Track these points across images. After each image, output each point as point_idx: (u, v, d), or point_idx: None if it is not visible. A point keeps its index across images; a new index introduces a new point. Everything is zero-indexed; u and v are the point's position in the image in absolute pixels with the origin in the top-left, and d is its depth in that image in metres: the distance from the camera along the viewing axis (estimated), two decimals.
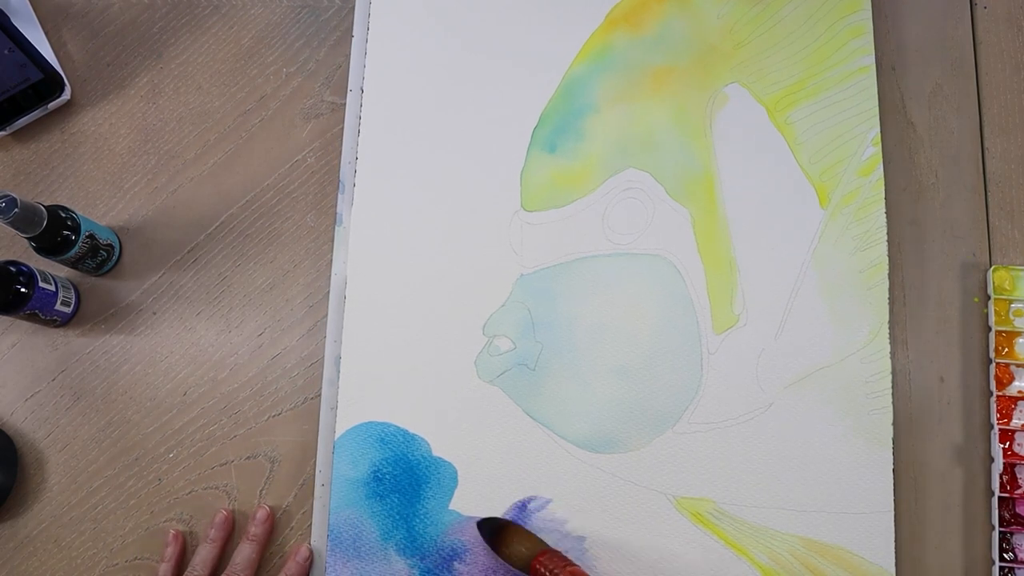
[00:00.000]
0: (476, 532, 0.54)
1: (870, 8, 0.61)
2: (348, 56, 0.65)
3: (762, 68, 0.61)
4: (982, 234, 0.60)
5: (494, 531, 0.54)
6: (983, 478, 0.56)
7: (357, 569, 0.55)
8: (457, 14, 0.64)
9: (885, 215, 0.58)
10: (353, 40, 0.65)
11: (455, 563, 0.54)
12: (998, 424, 0.55)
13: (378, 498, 0.56)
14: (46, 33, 0.67)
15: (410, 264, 0.60)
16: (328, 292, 0.61)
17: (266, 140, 0.65)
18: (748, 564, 0.53)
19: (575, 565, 0.49)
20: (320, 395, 0.59)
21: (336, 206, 0.62)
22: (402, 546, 0.55)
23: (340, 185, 0.62)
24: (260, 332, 0.61)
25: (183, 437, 0.60)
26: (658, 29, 0.63)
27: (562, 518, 0.55)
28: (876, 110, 0.60)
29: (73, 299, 0.61)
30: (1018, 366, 0.57)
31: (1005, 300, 0.57)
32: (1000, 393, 0.56)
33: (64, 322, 0.61)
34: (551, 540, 0.54)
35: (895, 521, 0.54)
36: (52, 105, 0.65)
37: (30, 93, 0.64)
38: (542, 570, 0.49)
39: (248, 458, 0.59)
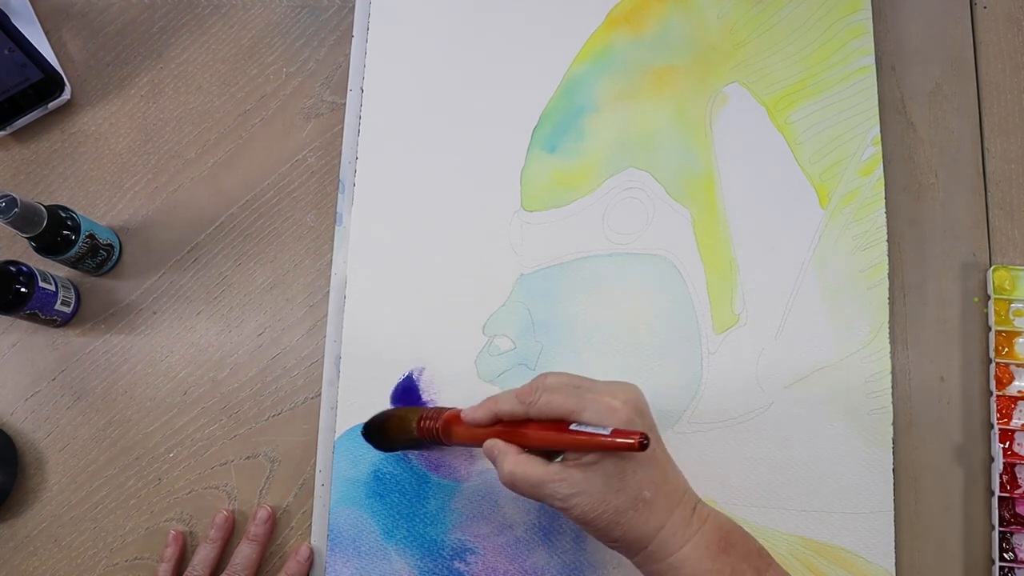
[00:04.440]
0: (478, 530, 0.54)
1: (870, 8, 0.61)
2: (348, 56, 0.65)
3: (762, 68, 0.61)
4: (982, 234, 0.60)
5: (374, 435, 0.55)
6: (983, 478, 0.56)
7: (357, 569, 0.55)
8: (457, 14, 0.64)
9: (885, 215, 0.58)
10: (353, 40, 0.65)
11: (455, 563, 0.54)
12: (998, 424, 0.55)
13: (378, 498, 0.56)
14: (46, 33, 0.67)
15: (410, 264, 0.60)
16: (328, 292, 0.61)
17: (266, 140, 0.65)
18: None
19: (449, 408, 0.50)
20: (320, 395, 0.59)
21: (336, 206, 0.62)
22: (402, 546, 0.55)
23: (340, 185, 0.62)
24: (260, 332, 0.61)
25: (183, 437, 0.60)
26: (658, 29, 0.63)
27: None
28: (876, 110, 0.60)
29: (73, 299, 0.61)
30: (1018, 366, 0.57)
31: (1005, 300, 0.57)
32: (1000, 393, 0.56)
33: (64, 322, 0.61)
34: None
35: (895, 521, 0.54)
36: (52, 105, 0.65)
37: (30, 93, 0.64)
38: (429, 425, 0.50)
39: (248, 458, 0.59)
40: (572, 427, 0.43)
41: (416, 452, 0.56)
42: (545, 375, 0.46)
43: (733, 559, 0.43)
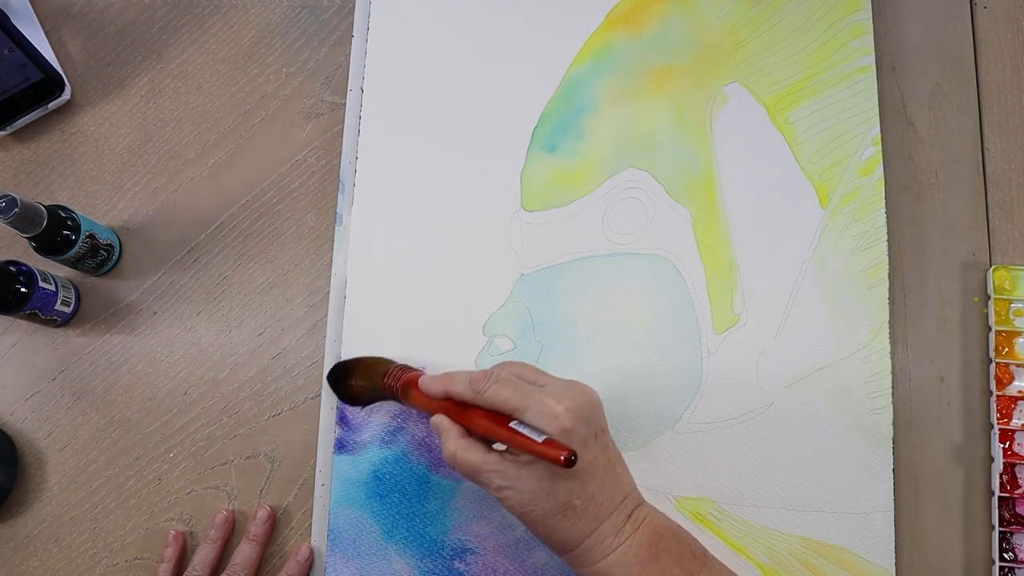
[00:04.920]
0: (478, 530, 0.54)
1: (870, 8, 0.61)
2: (348, 56, 0.65)
3: (762, 68, 0.61)
4: (982, 234, 0.60)
5: (342, 377, 0.56)
6: (983, 478, 0.56)
7: (357, 569, 0.55)
8: (457, 14, 0.64)
9: (885, 215, 0.58)
10: (353, 40, 0.65)
11: (456, 563, 0.54)
12: (998, 424, 0.55)
13: (378, 498, 0.56)
14: (46, 33, 0.67)
15: (410, 264, 0.60)
16: (328, 292, 0.61)
17: (266, 140, 0.65)
18: (748, 564, 0.53)
19: (415, 370, 0.52)
20: (320, 395, 0.59)
21: (336, 206, 0.62)
22: (402, 546, 0.55)
23: (340, 185, 0.62)
24: (260, 332, 0.61)
25: (183, 437, 0.60)
26: (658, 29, 0.63)
27: None
28: (876, 110, 0.60)
29: (73, 299, 0.61)
30: (1018, 366, 0.57)
31: (1005, 300, 0.57)
32: (1000, 393, 0.56)
33: (64, 322, 0.61)
34: None
35: (895, 521, 0.54)
36: (52, 105, 0.65)
37: (30, 93, 0.64)
38: (392, 383, 0.51)
39: (248, 458, 0.59)
40: (511, 424, 0.43)
41: (417, 452, 0.56)
42: (503, 365, 0.47)
43: (663, 564, 0.43)
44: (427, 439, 0.56)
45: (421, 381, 0.49)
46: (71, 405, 0.61)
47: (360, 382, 0.55)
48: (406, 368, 0.52)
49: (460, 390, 0.46)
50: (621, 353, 0.57)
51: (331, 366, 0.57)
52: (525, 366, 0.47)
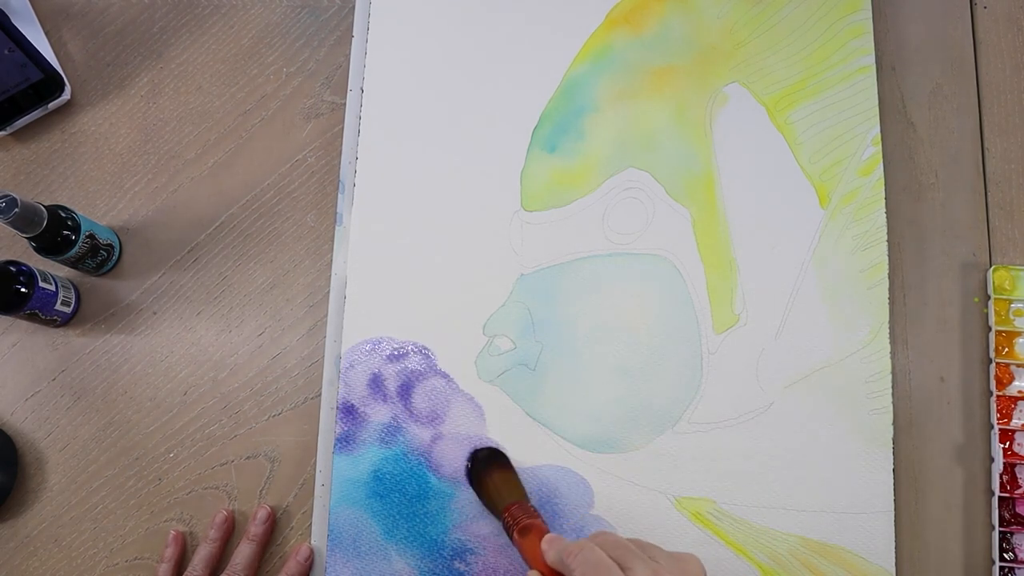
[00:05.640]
0: (478, 530, 0.54)
1: (870, 8, 0.61)
2: (348, 56, 0.65)
3: (762, 68, 0.61)
4: (982, 234, 0.60)
5: (483, 465, 0.54)
6: (983, 478, 0.56)
7: (357, 569, 0.55)
8: (457, 14, 0.64)
9: (885, 215, 0.58)
10: (353, 40, 0.65)
11: (456, 563, 0.54)
12: (998, 424, 0.55)
13: (378, 497, 0.56)
14: (46, 33, 0.67)
15: (410, 264, 0.60)
16: (328, 292, 0.61)
17: (266, 140, 0.65)
18: (748, 564, 0.53)
19: (538, 518, 0.49)
20: (320, 395, 0.59)
21: (336, 206, 0.62)
22: (402, 546, 0.55)
23: (340, 185, 0.62)
24: (260, 332, 0.61)
25: (183, 437, 0.60)
26: (658, 29, 0.63)
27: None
28: (876, 110, 0.60)
29: (73, 299, 0.61)
30: (1018, 366, 0.57)
31: (1005, 300, 0.57)
32: (1000, 393, 0.56)
33: (64, 322, 0.61)
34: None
35: (895, 521, 0.54)
36: (52, 105, 0.65)
37: (30, 93, 0.64)
38: (510, 520, 0.49)
39: (248, 458, 0.59)
40: None
41: (416, 451, 0.56)
42: (601, 536, 0.44)
43: None
44: (427, 440, 0.56)
45: (545, 540, 0.46)
46: (71, 405, 0.61)
47: (490, 489, 0.53)
48: (531, 513, 0.50)
49: (552, 557, 0.44)
50: (621, 353, 0.57)
51: (483, 447, 0.56)
52: (623, 543, 0.43)
